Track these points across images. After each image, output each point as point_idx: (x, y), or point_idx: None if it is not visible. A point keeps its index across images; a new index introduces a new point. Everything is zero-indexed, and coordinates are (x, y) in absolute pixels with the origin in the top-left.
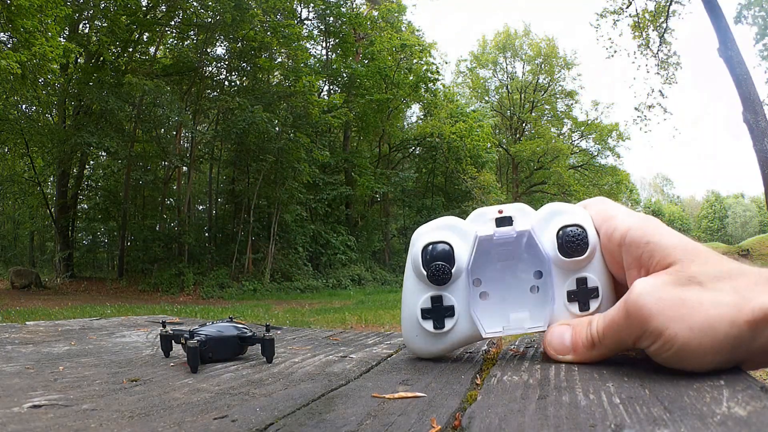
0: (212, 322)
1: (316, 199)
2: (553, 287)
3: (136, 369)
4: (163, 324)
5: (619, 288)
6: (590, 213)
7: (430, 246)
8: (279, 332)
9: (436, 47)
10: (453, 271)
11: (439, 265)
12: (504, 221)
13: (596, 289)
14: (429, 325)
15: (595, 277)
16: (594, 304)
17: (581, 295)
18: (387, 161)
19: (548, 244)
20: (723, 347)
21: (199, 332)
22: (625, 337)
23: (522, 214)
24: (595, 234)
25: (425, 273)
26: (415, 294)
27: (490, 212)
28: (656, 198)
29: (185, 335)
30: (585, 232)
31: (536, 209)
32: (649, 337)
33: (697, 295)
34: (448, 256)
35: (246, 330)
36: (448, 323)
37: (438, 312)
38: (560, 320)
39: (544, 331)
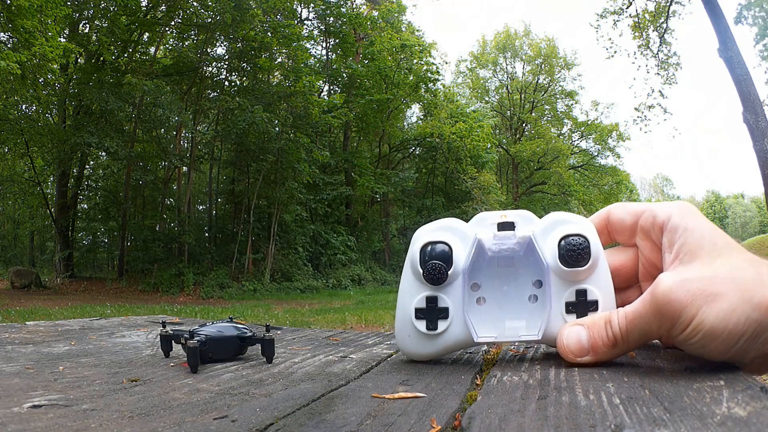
0: (212, 322)
1: (316, 199)
2: (551, 297)
3: (136, 369)
4: (163, 324)
5: (627, 298)
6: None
7: (429, 246)
8: (279, 332)
9: (436, 47)
10: (450, 272)
11: (435, 264)
12: (506, 226)
13: (596, 302)
14: (422, 325)
15: (596, 289)
16: None
17: (580, 308)
18: (387, 161)
19: (549, 252)
20: (745, 331)
21: (199, 332)
22: (654, 331)
23: (525, 221)
24: (598, 246)
25: (421, 271)
26: (410, 293)
27: (493, 216)
28: (656, 198)
29: (185, 335)
30: (587, 242)
31: (536, 209)
32: (679, 327)
33: (722, 283)
34: (447, 257)
35: (246, 330)
36: (442, 325)
37: (432, 313)
38: (556, 330)
39: (537, 341)
